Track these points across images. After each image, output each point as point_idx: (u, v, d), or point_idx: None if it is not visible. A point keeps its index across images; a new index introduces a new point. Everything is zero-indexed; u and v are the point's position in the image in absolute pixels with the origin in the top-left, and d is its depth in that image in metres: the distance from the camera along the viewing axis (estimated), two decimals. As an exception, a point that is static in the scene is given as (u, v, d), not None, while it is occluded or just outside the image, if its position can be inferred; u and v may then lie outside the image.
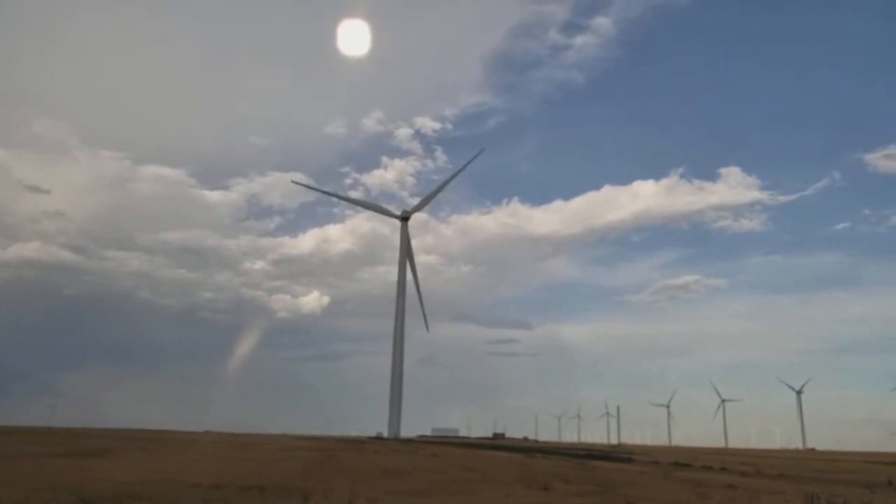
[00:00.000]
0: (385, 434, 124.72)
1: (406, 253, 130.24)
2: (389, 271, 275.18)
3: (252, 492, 19.53)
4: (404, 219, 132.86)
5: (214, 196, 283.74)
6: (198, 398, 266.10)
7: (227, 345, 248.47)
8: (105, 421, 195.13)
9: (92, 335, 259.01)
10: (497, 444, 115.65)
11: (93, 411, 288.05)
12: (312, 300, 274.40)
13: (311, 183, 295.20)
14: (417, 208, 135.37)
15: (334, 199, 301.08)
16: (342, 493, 19.41)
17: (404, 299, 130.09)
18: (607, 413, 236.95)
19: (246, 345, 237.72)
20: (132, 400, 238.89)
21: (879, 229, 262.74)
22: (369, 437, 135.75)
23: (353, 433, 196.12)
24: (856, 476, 37.51)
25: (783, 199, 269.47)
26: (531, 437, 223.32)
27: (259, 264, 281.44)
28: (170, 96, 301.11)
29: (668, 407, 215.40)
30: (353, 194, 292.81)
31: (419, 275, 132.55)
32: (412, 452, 59.58)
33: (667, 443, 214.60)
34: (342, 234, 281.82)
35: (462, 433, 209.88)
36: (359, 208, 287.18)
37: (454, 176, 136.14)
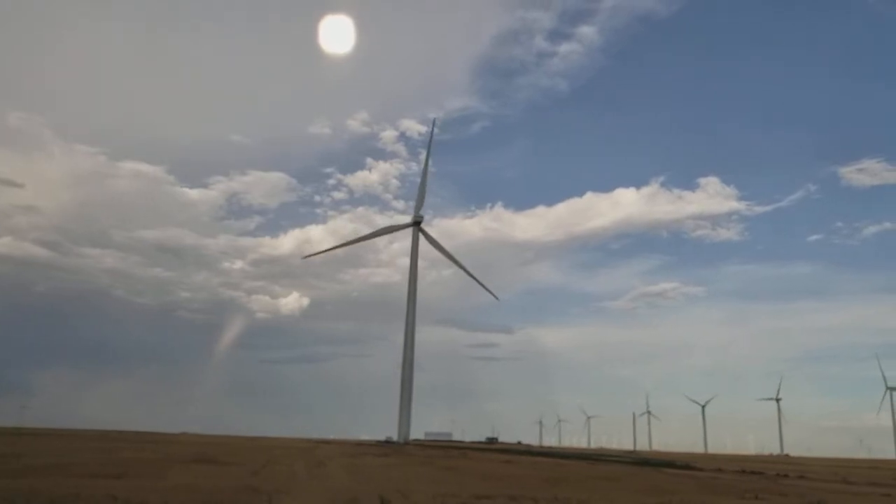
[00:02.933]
0: (395, 438, 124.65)
1: (440, 250, 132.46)
2: (372, 273, 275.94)
3: (525, 501, 20.50)
4: (416, 223, 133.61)
5: (193, 194, 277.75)
6: (173, 399, 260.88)
7: (204, 345, 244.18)
8: (78, 421, 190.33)
9: (64, 333, 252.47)
10: (525, 449, 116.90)
11: (65, 411, 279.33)
12: (292, 301, 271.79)
13: (294, 183, 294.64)
14: (419, 206, 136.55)
15: (317, 200, 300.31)
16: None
17: (415, 304, 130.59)
18: (588, 418, 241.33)
19: (223, 345, 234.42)
20: (105, 400, 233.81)
21: (851, 241, 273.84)
22: (377, 441, 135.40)
23: (331, 436, 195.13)
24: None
25: (760, 209, 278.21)
26: (524, 441, 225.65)
27: (238, 264, 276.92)
28: (149, 91, 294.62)
29: (649, 413, 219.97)
30: (337, 195, 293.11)
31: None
32: (479, 458, 59.65)
33: (647, 447, 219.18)
34: (324, 234, 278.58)
35: (454, 437, 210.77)
36: (345, 210, 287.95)
37: (427, 156, 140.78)
